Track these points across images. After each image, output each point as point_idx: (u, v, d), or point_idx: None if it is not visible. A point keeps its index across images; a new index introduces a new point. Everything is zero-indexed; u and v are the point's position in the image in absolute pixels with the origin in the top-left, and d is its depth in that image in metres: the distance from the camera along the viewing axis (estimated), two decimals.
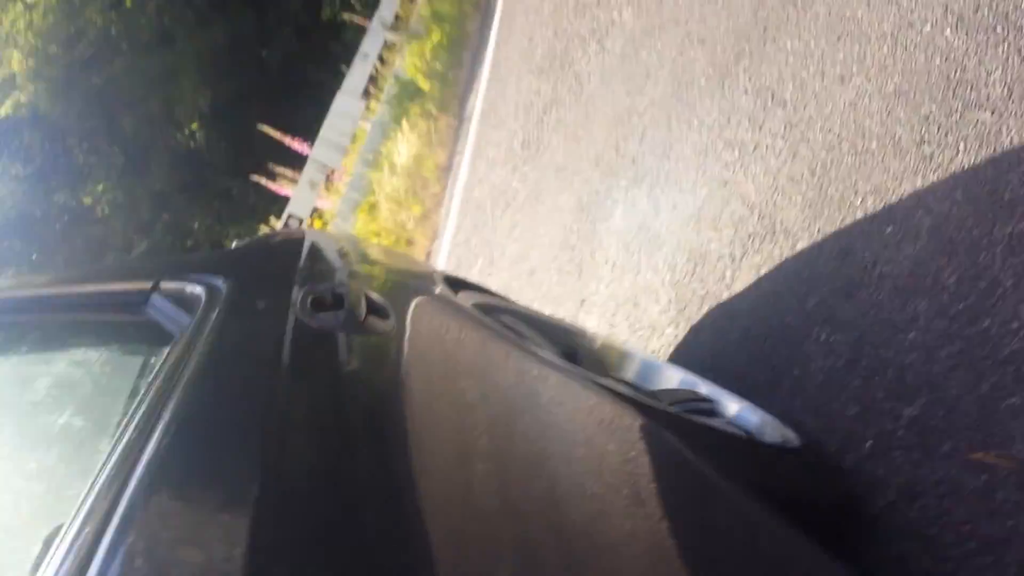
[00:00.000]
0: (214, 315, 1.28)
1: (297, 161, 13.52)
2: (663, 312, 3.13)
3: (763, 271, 2.71)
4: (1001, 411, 1.72)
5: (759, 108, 3.18)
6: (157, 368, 1.21)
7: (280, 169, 13.75)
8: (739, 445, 1.84)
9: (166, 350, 1.26)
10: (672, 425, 1.56)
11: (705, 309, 2.90)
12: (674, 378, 2.27)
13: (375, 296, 1.33)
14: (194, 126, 21.22)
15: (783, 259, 2.65)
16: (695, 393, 2.20)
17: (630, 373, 2.31)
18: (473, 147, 6.82)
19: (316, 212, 11.71)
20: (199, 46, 20.25)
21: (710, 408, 2.16)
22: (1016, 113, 2.14)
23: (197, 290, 1.43)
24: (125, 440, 0.96)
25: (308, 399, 1.07)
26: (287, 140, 13.36)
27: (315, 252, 1.75)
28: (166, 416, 0.96)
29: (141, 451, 0.90)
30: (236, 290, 1.41)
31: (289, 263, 1.59)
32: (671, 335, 3.01)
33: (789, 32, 3.22)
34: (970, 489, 1.67)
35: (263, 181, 13.94)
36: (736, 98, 3.37)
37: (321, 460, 0.92)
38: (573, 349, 2.24)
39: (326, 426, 1.00)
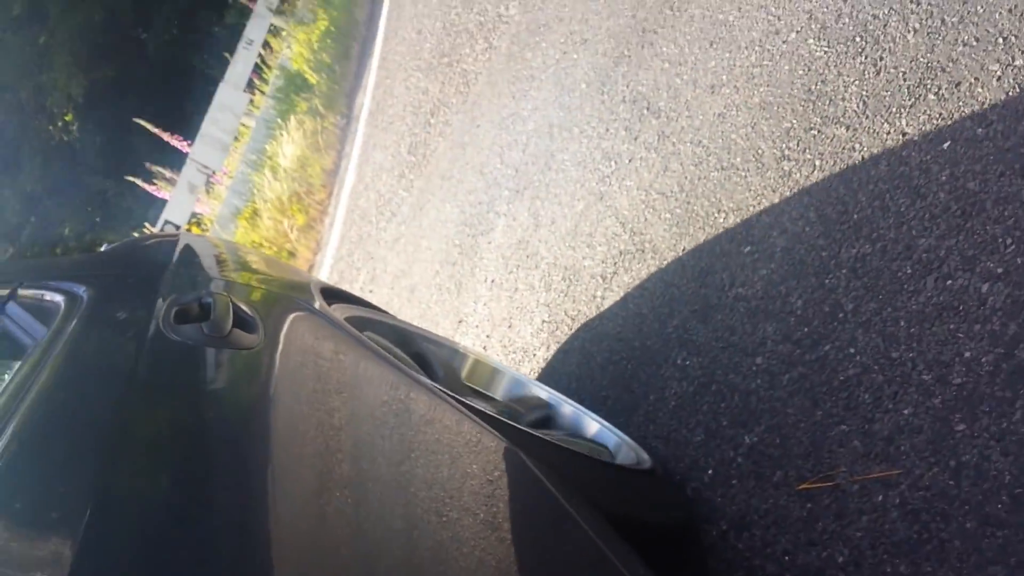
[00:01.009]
0: (71, 326, 1.28)
1: (176, 160, 13.33)
2: (535, 334, 3.25)
3: (631, 291, 2.85)
4: (831, 438, 1.88)
5: (635, 118, 3.34)
6: (4, 384, 1.19)
7: (158, 169, 13.53)
8: (594, 466, 1.96)
9: (17, 364, 1.25)
10: (532, 446, 1.64)
11: (575, 330, 3.03)
12: (540, 396, 2.40)
13: (243, 308, 1.35)
14: (68, 117, 20.69)
15: (650, 278, 2.80)
16: (552, 409, 2.35)
17: (500, 390, 2.44)
18: (360, 150, 6.88)
19: (195, 218, 11.57)
20: (73, 24, 19.75)
21: (573, 430, 2.30)
22: (868, 129, 2.32)
23: (56, 298, 1.43)
24: None
25: (157, 418, 1.08)
26: (166, 136, 13.17)
27: (187, 258, 1.77)
28: (4, 437, 0.96)
29: None
30: (97, 299, 1.42)
31: (158, 270, 1.60)
32: (542, 358, 3.14)
33: (665, 36, 3.38)
34: (794, 519, 1.82)
35: (139, 182, 13.71)
36: (614, 106, 3.52)
37: (158, 484, 0.93)
38: (448, 365, 2.35)
39: (172, 448, 1.01)
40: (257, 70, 11.86)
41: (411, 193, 5.39)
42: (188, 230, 11.08)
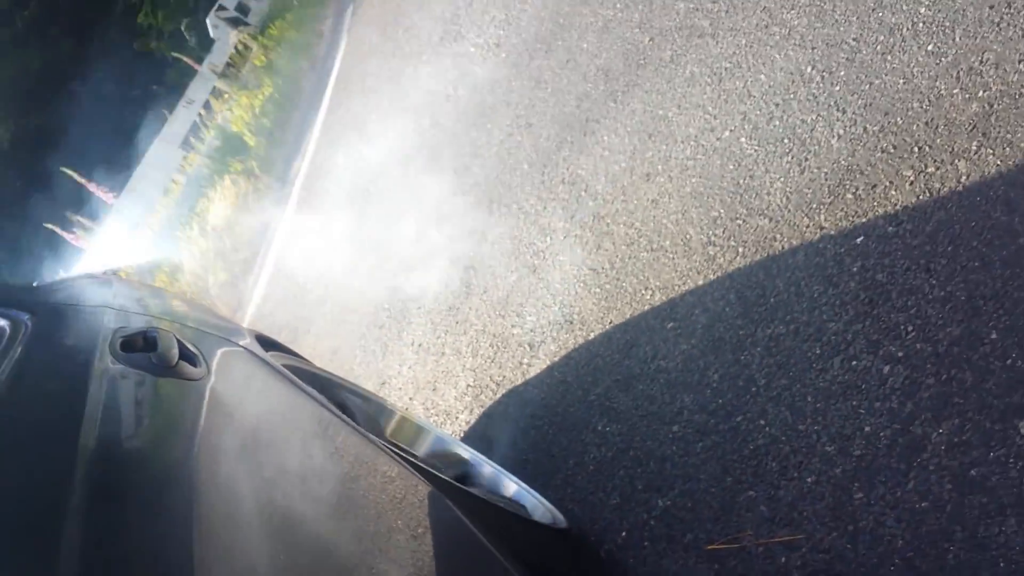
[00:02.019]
0: (18, 349, 1.31)
1: (100, 212, 13.14)
2: (459, 398, 3.32)
3: (557, 360, 2.95)
4: (739, 503, 1.98)
5: (573, 198, 3.49)
6: None
7: (79, 219, 13.31)
8: (515, 521, 2.02)
9: None
10: (457, 498, 1.70)
11: (500, 395, 3.10)
12: (461, 455, 2.46)
13: (186, 343, 1.40)
14: None
15: (576, 349, 2.91)
16: (471, 467, 2.41)
17: (424, 447, 2.49)
18: (293, 213, 6.94)
19: (114, 271, 11.36)
20: (7, 71, 19.56)
21: (492, 488, 2.36)
22: (790, 221, 2.50)
23: (1, 323, 1.46)
24: None
25: (109, 439, 1.09)
26: (91, 187, 13.00)
27: (123, 295, 1.81)
28: None
29: None
30: (42, 325, 1.45)
31: (97, 303, 1.65)
32: (464, 421, 3.20)
33: (607, 126, 3.57)
34: None
35: (58, 230, 13.44)
36: (554, 186, 3.68)
37: (126, 502, 0.95)
38: (376, 420, 2.40)
39: (130, 475, 1.04)
40: (195, 129, 11.88)
41: (342, 257, 5.46)
42: None
